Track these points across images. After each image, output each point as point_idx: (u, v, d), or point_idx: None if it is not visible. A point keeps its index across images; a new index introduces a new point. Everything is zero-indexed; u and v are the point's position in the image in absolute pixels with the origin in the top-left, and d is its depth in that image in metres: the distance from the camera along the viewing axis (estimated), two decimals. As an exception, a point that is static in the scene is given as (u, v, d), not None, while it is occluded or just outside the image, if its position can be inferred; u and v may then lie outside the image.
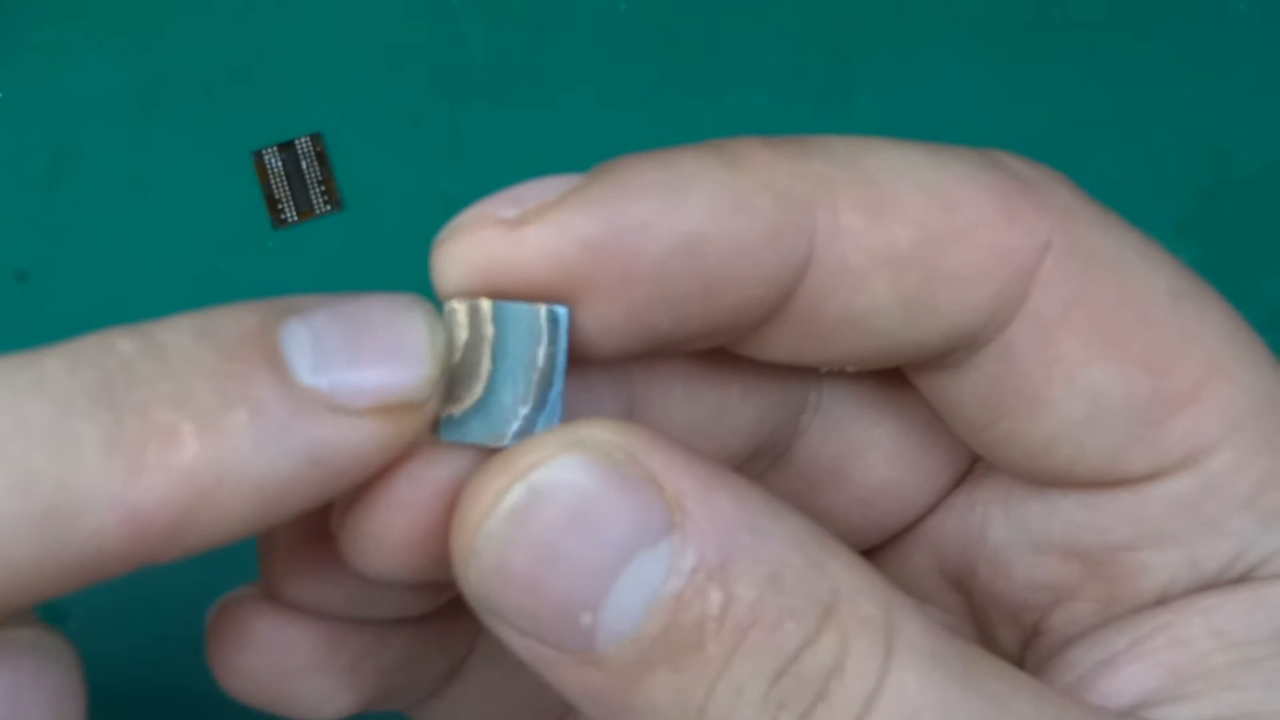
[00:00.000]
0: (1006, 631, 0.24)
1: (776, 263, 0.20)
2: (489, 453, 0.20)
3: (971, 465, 0.25)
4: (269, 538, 0.23)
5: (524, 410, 0.20)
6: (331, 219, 0.39)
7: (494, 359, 0.20)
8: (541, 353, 0.20)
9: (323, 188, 0.39)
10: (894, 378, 0.24)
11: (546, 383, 0.20)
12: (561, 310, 0.20)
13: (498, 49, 0.40)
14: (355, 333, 0.19)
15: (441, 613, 0.24)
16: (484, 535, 0.19)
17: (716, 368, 0.23)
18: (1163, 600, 0.22)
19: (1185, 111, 0.41)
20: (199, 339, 0.18)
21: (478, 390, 0.20)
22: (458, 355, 0.20)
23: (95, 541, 0.17)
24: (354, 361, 0.19)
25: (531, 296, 0.20)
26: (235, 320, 0.19)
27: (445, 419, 0.20)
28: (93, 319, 0.40)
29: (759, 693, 0.18)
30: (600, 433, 0.19)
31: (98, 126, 0.39)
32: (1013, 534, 0.23)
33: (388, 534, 0.20)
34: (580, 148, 0.40)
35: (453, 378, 0.20)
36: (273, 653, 0.23)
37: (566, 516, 0.18)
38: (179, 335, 0.18)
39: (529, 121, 0.40)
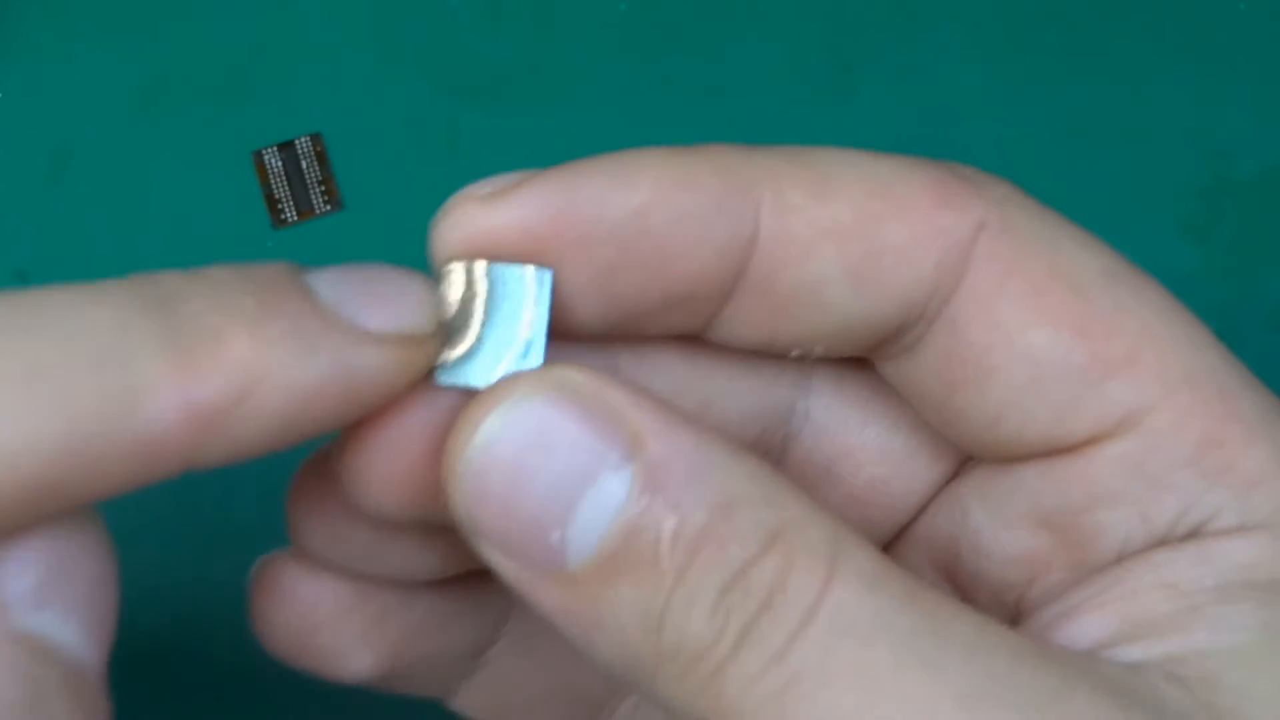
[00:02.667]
0: (993, 615, 0.25)
1: (726, 232, 0.23)
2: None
3: (958, 468, 0.26)
4: (294, 496, 0.25)
5: (511, 356, 0.23)
6: (331, 219, 0.39)
7: (485, 312, 0.23)
8: (529, 308, 0.23)
9: (323, 188, 0.39)
10: (875, 384, 0.26)
11: (531, 334, 0.23)
12: (548, 271, 0.23)
13: (498, 49, 0.40)
14: (368, 281, 0.21)
15: (458, 586, 0.26)
16: (464, 459, 0.21)
17: (699, 364, 0.25)
18: (1120, 560, 0.23)
19: (1185, 111, 0.41)
20: (236, 272, 0.21)
21: (470, 339, 0.23)
22: (453, 309, 0.23)
23: (154, 424, 0.19)
24: (370, 298, 0.21)
25: (507, 257, 0.23)
26: (263, 265, 0.21)
27: (440, 365, 0.23)
28: (93, 319, 0.40)
29: (709, 603, 0.20)
30: (571, 373, 0.21)
31: (98, 126, 0.39)
32: (987, 514, 0.25)
33: (387, 466, 0.23)
34: (580, 148, 0.40)
35: (448, 329, 0.23)
36: (297, 605, 0.25)
37: (535, 440, 0.21)
38: (217, 269, 0.21)
39: (529, 121, 0.40)
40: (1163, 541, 0.23)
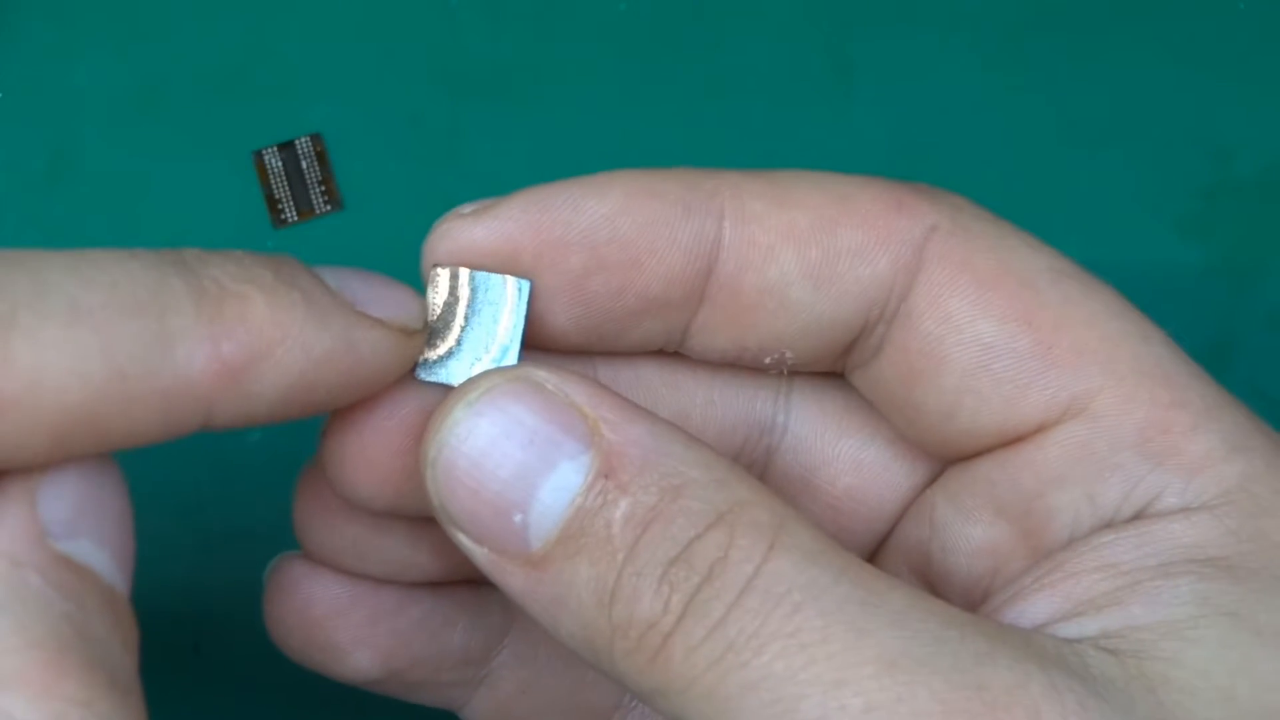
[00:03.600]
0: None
1: (691, 235, 0.25)
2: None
3: (932, 478, 0.27)
4: (299, 496, 0.27)
5: (487, 358, 0.25)
6: (331, 219, 0.39)
7: (466, 316, 0.25)
8: (506, 314, 0.25)
9: (323, 188, 0.39)
10: (851, 399, 0.27)
11: (507, 339, 0.25)
12: (526, 282, 0.25)
13: (498, 49, 0.40)
14: (367, 280, 0.23)
15: (456, 591, 0.28)
16: (435, 444, 0.23)
17: (678, 378, 0.27)
18: (1069, 543, 0.24)
19: (1185, 111, 0.41)
20: (252, 253, 0.22)
21: (450, 340, 0.25)
22: (436, 312, 0.25)
23: (184, 370, 0.21)
24: (369, 292, 0.23)
25: (491, 268, 0.25)
26: (277, 254, 0.23)
27: (422, 362, 0.25)
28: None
29: (655, 577, 0.21)
30: (537, 370, 0.23)
31: (98, 126, 0.39)
32: (951, 510, 0.26)
33: (367, 454, 0.25)
34: (580, 147, 0.40)
35: (431, 330, 0.25)
36: (301, 600, 0.27)
37: (500, 430, 0.22)
38: (235, 251, 0.22)
39: (529, 121, 0.40)
40: (1109, 524, 0.24)
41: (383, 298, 0.23)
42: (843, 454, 0.27)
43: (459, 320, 0.25)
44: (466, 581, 0.28)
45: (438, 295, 0.25)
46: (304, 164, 0.39)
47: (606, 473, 0.22)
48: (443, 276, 0.25)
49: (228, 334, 0.21)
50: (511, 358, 0.25)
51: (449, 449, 0.23)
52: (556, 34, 0.40)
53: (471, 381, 0.23)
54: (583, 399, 0.23)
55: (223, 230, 0.39)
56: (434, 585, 0.28)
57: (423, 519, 0.25)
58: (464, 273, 0.25)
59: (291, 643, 0.27)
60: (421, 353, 0.25)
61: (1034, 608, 0.23)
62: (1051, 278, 0.25)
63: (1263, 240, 0.40)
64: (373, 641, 0.27)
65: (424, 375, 0.25)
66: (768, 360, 0.26)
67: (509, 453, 0.22)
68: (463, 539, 0.23)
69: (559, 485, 0.22)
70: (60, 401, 0.20)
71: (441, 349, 0.25)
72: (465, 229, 0.25)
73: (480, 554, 0.23)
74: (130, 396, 0.20)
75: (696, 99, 0.40)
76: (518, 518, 0.22)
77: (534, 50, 0.40)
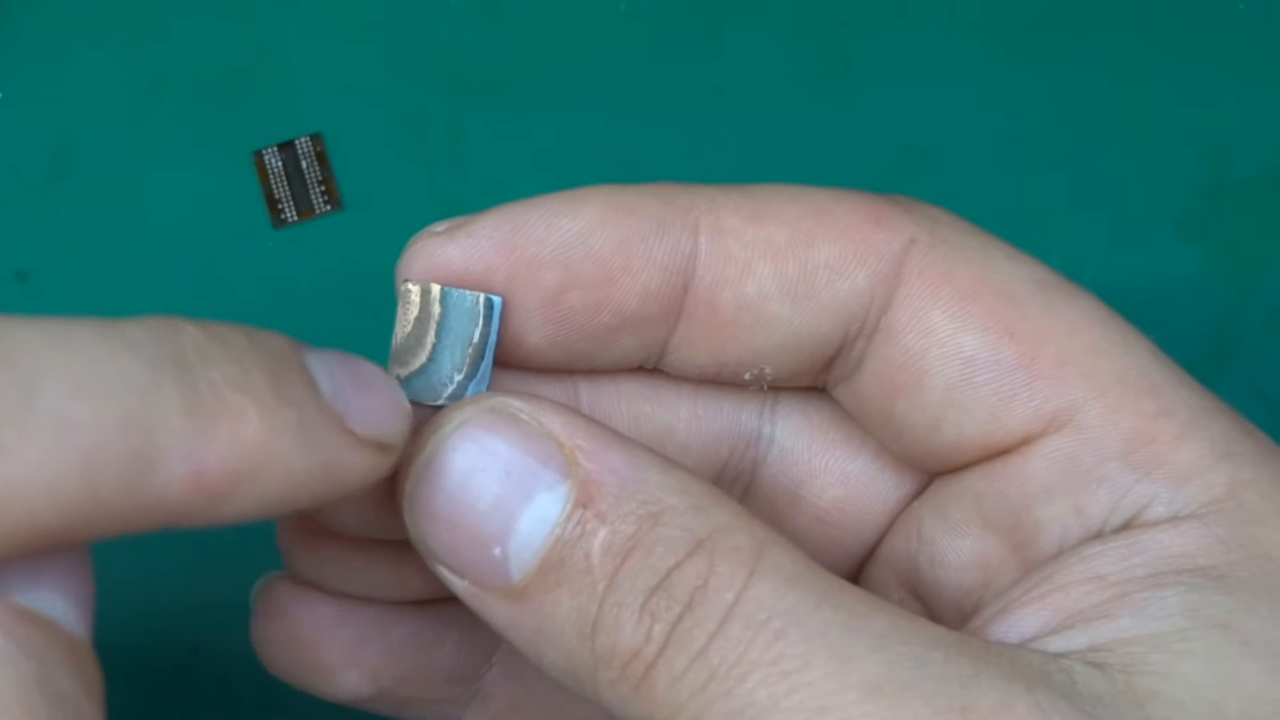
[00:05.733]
0: (952, 624, 0.25)
1: (666, 251, 0.24)
2: (427, 410, 0.24)
3: (919, 491, 0.27)
4: (282, 521, 0.26)
5: (459, 377, 0.24)
6: (331, 219, 0.39)
7: (438, 334, 0.24)
8: (477, 331, 0.24)
9: (323, 188, 0.39)
10: (837, 413, 0.27)
11: (479, 356, 0.24)
12: (497, 299, 0.24)
13: (498, 49, 0.40)
14: (359, 379, 0.22)
15: (441, 609, 0.28)
16: (413, 480, 0.23)
17: (661, 394, 0.27)
18: (1057, 555, 0.24)
19: (1185, 111, 0.41)
20: (251, 341, 0.21)
21: (422, 358, 0.25)
22: (408, 329, 0.25)
23: (162, 489, 0.20)
24: (361, 400, 0.22)
25: (465, 286, 0.24)
26: (274, 336, 0.22)
27: (395, 379, 0.24)
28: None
29: (636, 607, 0.21)
30: (511, 400, 0.23)
31: (98, 126, 0.39)
32: (939, 524, 0.26)
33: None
34: (579, 148, 0.40)
35: (402, 347, 0.25)
36: (287, 620, 0.27)
37: (474, 462, 0.22)
38: (234, 333, 0.21)
39: (529, 121, 0.40)
40: (1097, 535, 0.24)
41: (370, 409, 0.22)
42: (830, 466, 0.27)
43: (430, 338, 0.25)
44: (454, 599, 0.28)
45: (410, 311, 0.24)
46: (304, 164, 0.39)
47: (584, 502, 0.22)
48: (414, 293, 0.24)
49: (214, 456, 0.20)
50: (484, 377, 0.25)
51: (425, 484, 0.23)
52: (556, 34, 0.40)
53: (445, 414, 0.23)
54: (558, 428, 0.22)
55: (223, 230, 0.39)
56: (421, 603, 0.28)
57: (407, 539, 0.25)
58: (435, 289, 0.24)
59: (280, 663, 0.27)
60: (390, 465, 0.24)
61: (1023, 621, 0.23)
62: (1033, 288, 0.24)
63: (1263, 240, 0.40)
64: (361, 660, 0.27)
65: None
66: (747, 376, 0.26)
67: (485, 485, 0.22)
68: (444, 571, 0.23)
69: (537, 516, 0.22)
70: (29, 518, 0.19)
71: (413, 366, 0.25)
72: (439, 248, 0.24)
73: (461, 586, 0.23)
74: (101, 512, 0.19)
75: (697, 99, 0.40)
76: (497, 550, 0.22)
77: (534, 50, 0.40)
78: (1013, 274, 0.24)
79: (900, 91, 0.40)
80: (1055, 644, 0.22)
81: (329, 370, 0.22)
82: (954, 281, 0.24)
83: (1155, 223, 0.40)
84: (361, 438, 0.22)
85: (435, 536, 0.23)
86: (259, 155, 0.39)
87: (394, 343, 0.25)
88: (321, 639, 0.27)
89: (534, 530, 0.22)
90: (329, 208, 0.39)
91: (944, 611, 0.26)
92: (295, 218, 0.39)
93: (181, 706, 0.36)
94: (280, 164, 0.39)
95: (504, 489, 0.22)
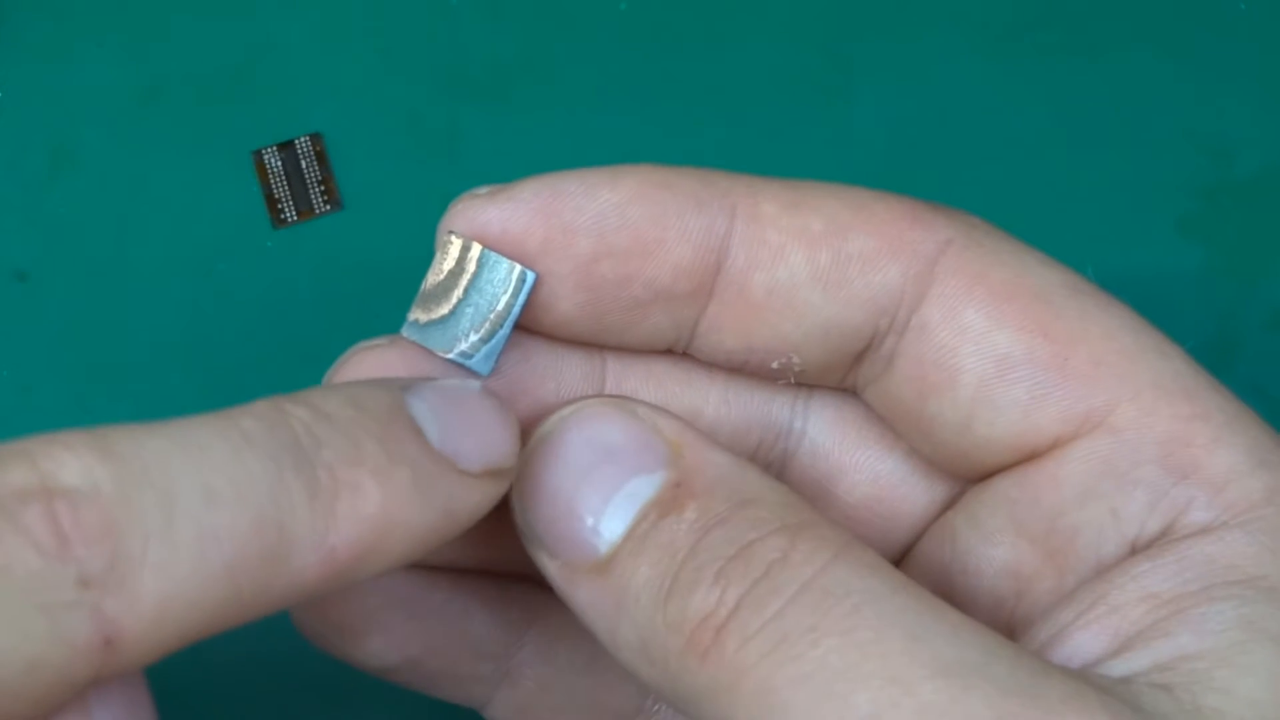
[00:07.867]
0: None
1: (701, 228, 0.25)
2: (437, 360, 0.25)
3: (952, 498, 0.27)
4: None
5: (474, 338, 0.25)
6: (331, 219, 0.39)
7: (465, 291, 0.25)
8: (504, 300, 0.25)
9: (323, 188, 0.39)
10: (869, 413, 0.27)
11: (498, 325, 0.25)
12: (531, 273, 0.25)
13: (498, 48, 0.40)
14: (463, 413, 0.23)
15: (476, 582, 0.28)
16: (525, 456, 0.24)
17: (692, 378, 0.27)
18: (1100, 571, 0.24)
19: (1185, 111, 0.41)
20: (355, 409, 0.22)
21: (445, 309, 0.25)
22: (440, 278, 0.25)
23: (297, 578, 0.20)
24: (469, 436, 0.23)
25: (502, 248, 0.25)
26: (374, 394, 0.23)
27: (412, 322, 0.25)
28: (93, 319, 0.40)
29: (713, 570, 0.21)
30: (631, 399, 0.24)
31: (98, 126, 0.39)
32: (972, 533, 0.26)
33: None
34: (580, 148, 0.40)
35: (429, 293, 0.25)
36: None
37: (582, 441, 0.23)
38: (338, 405, 0.22)
39: (529, 121, 0.40)
40: (1135, 540, 0.23)
41: (479, 444, 0.23)
42: (861, 464, 0.27)
43: (458, 292, 0.25)
44: (488, 573, 0.28)
45: (445, 262, 0.25)
46: (304, 164, 0.39)
47: (679, 481, 0.23)
48: (455, 246, 0.25)
49: (339, 537, 0.21)
50: (497, 344, 0.25)
51: (535, 459, 0.24)
52: (556, 34, 0.40)
53: (574, 402, 0.24)
54: (668, 426, 0.23)
55: (222, 230, 0.39)
56: (455, 574, 0.28)
57: None
58: (476, 247, 0.25)
59: (311, 626, 0.27)
60: (507, 486, 0.24)
61: (1082, 647, 0.23)
62: (1067, 293, 0.24)
63: (1263, 240, 0.40)
64: (389, 625, 0.27)
65: (408, 334, 0.25)
66: (775, 365, 0.26)
67: (591, 462, 0.23)
68: (540, 555, 0.24)
69: (632, 493, 0.23)
70: (179, 631, 0.19)
71: (435, 315, 0.25)
72: (480, 209, 0.25)
73: (554, 569, 0.23)
74: (242, 608, 0.20)
75: (697, 99, 0.40)
76: (590, 520, 0.23)
77: (534, 50, 0.40)
78: (1048, 278, 0.25)
79: (900, 91, 0.40)
80: (1118, 668, 0.22)
81: (433, 412, 0.23)
82: (988, 282, 0.24)
83: (1156, 222, 0.40)
84: (476, 474, 0.23)
85: (536, 510, 0.23)
86: (259, 155, 0.39)
87: (423, 287, 0.25)
88: (352, 599, 0.27)
89: (627, 503, 0.23)
90: (329, 208, 0.39)
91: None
92: (295, 218, 0.39)
93: (181, 708, 0.36)
94: (280, 164, 0.39)
95: (606, 467, 0.23)
